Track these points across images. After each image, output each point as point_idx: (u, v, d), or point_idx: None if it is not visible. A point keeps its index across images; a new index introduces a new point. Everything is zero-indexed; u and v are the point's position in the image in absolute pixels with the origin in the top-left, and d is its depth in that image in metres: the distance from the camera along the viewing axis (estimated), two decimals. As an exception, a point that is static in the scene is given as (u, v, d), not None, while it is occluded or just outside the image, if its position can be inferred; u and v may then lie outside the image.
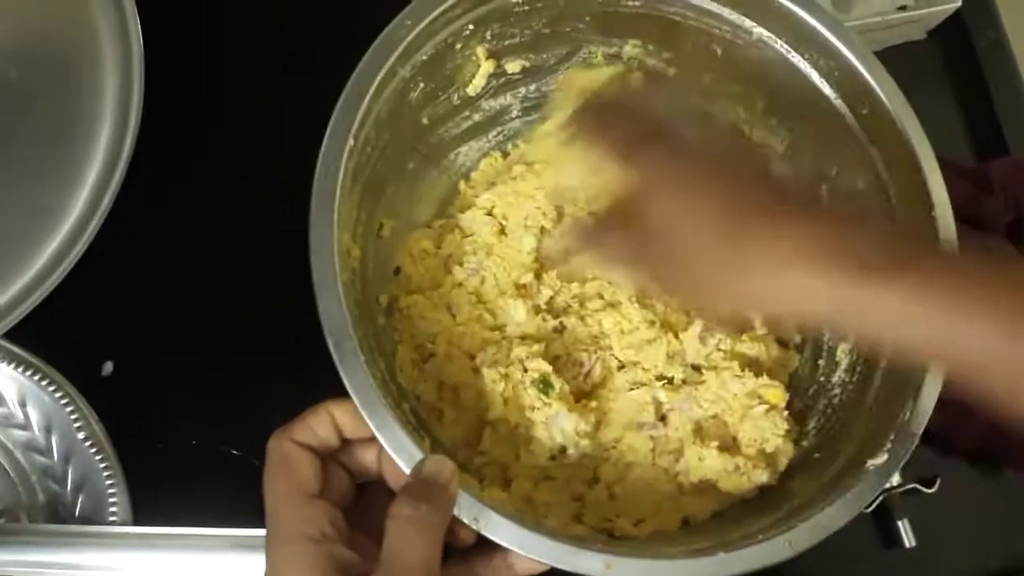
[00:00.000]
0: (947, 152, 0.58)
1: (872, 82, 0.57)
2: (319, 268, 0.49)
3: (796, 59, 0.60)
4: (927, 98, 0.59)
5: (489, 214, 0.62)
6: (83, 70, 0.56)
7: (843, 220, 0.49)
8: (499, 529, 0.47)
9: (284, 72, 0.69)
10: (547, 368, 0.56)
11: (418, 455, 0.47)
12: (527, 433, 0.56)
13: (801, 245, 0.45)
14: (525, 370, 0.56)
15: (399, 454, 0.47)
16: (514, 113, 0.66)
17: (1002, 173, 0.71)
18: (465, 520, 0.47)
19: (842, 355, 0.60)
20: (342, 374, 0.48)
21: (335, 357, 0.48)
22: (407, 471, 0.47)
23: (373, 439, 0.48)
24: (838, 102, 0.59)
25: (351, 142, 0.52)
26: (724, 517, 0.56)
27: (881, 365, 0.57)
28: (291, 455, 0.48)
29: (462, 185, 0.65)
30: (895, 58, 0.59)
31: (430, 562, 0.44)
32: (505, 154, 0.66)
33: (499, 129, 0.66)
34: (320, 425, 0.49)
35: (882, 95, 0.57)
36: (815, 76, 0.60)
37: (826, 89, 0.60)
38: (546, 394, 0.55)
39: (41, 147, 0.55)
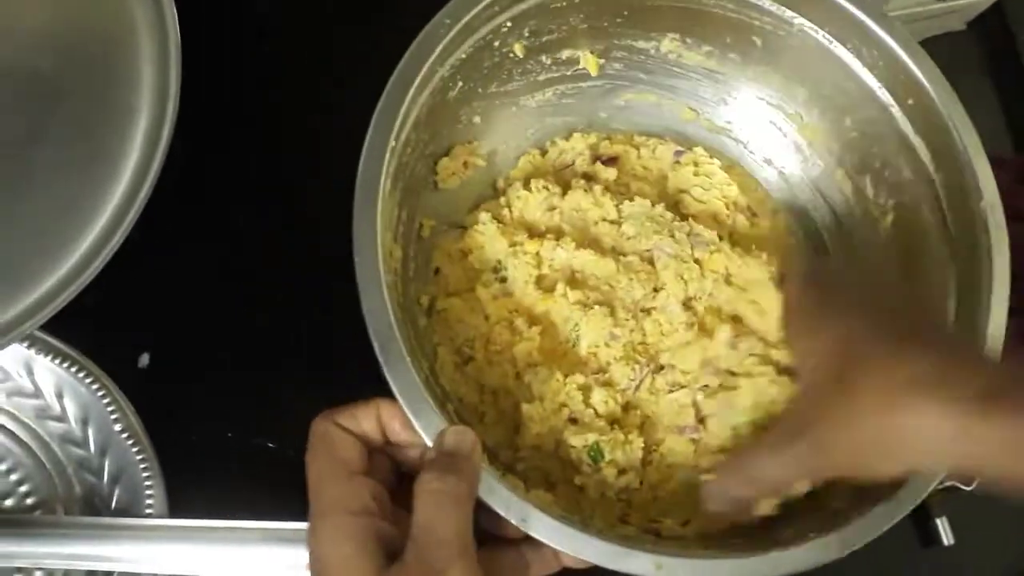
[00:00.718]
0: (986, 143, 0.58)
1: (917, 71, 0.57)
2: (363, 269, 0.49)
3: (838, 49, 0.59)
4: (966, 89, 0.58)
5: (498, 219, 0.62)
6: (119, 61, 0.56)
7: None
8: (547, 530, 0.47)
9: (321, 70, 0.69)
10: (600, 438, 0.55)
11: (484, 477, 0.47)
12: (567, 455, 0.56)
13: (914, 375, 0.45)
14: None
15: None
16: (550, 110, 0.66)
17: (1043, 165, 0.70)
18: (513, 521, 0.46)
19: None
20: (387, 376, 0.48)
21: (380, 359, 0.48)
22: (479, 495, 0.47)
23: (418, 442, 0.48)
24: (882, 92, 0.59)
25: (392, 143, 0.52)
26: (772, 518, 0.56)
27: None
28: (333, 435, 0.48)
29: (500, 182, 0.64)
30: (934, 49, 0.58)
31: (462, 534, 0.44)
32: (543, 152, 0.66)
33: (536, 127, 0.66)
34: (365, 417, 0.49)
35: (927, 85, 0.57)
36: (858, 66, 0.59)
37: (870, 80, 0.59)
38: (596, 462, 0.55)
39: (77, 139, 0.55)
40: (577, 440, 0.55)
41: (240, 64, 0.68)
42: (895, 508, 0.51)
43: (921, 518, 0.65)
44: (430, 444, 0.47)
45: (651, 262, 0.60)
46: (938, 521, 0.65)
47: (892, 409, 0.45)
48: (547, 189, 0.62)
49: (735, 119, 0.67)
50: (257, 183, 0.66)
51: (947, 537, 0.65)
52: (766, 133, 0.67)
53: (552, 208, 0.61)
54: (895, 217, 0.61)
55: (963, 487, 0.65)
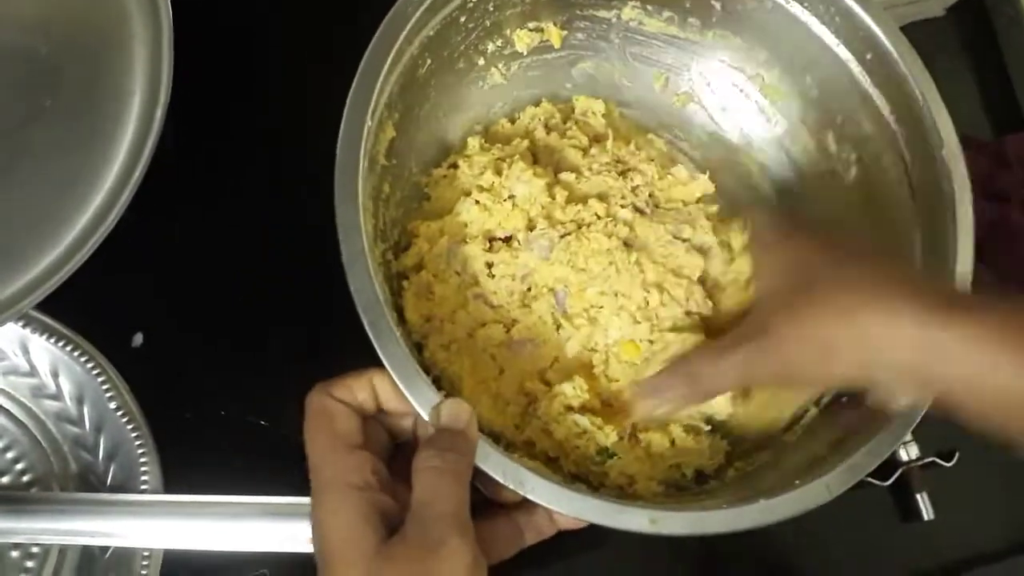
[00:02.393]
0: (965, 127, 0.59)
1: (873, 25, 0.58)
2: (348, 247, 0.49)
3: (795, 8, 0.61)
4: (945, 74, 0.59)
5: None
6: (113, 45, 0.56)
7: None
8: (544, 492, 0.48)
9: (313, 50, 0.69)
10: (611, 440, 0.56)
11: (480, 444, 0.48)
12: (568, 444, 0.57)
13: (878, 283, 0.48)
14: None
15: None
16: (517, 84, 0.66)
17: (1019, 147, 0.72)
18: (511, 486, 0.47)
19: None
20: (379, 351, 0.48)
21: (370, 334, 0.49)
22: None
23: (411, 411, 0.49)
24: (840, 49, 0.61)
25: (368, 123, 0.52)
26: (748, 472, 0.57)
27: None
28: (331, 408, 0.49)
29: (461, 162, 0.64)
30: (913, 34, 0.59)
31: (459, 509, 0.45)
32: (512, 121, 0.67)
33: (504, 101, 0.67)
34: (360, 388, 0.50)
35: (884, 38, 0.58)
36: (815, 24, 0.61)
37: (827, 37, 0.61)
38: (605, 462, 0.56)
39: (72, 120, 0.55)
40: (585, 441, 0.56)
41: (231, 46, 0.68)
42: (876, 451, 0.52)
43: (902, 493, 0.67)
44: (425, 416, 0.48)
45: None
46: (918, 496, 0.66)
47: (853, 310, 0.48)
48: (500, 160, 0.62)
49: (698, 84, 0.68)
50: (249, 163, 0.67)
51: (927, 512, 0.66)
52: (729, 96, 0.68)
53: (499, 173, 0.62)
54: (858, 171, 0.63)
55: (943, 463, 0.66)
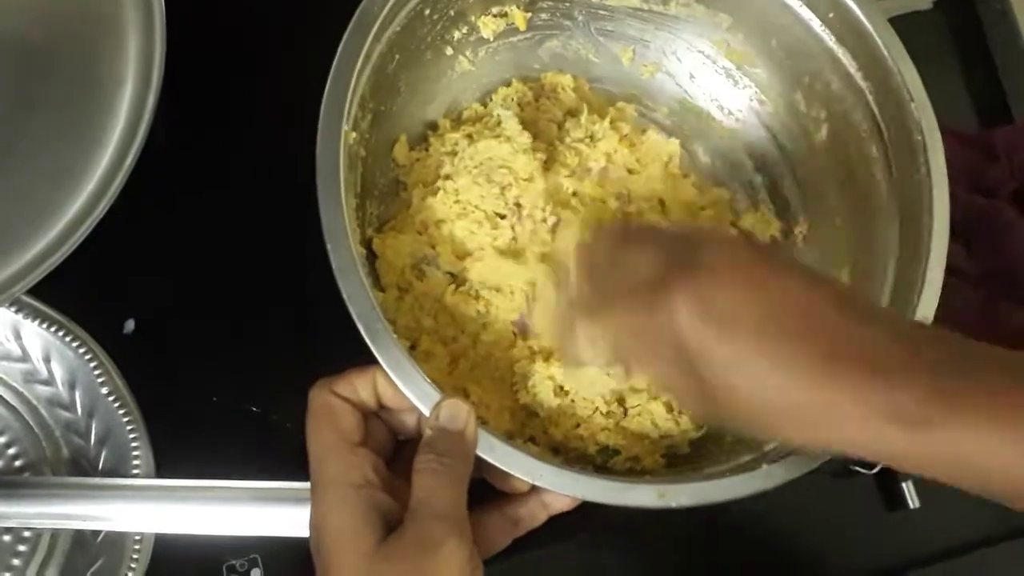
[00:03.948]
0: (952, 121, 0.59)
1: None
2: (337, 255, 0.50)
3: None
4: (932, 68, 0.59)
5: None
6: (106, 32, 0.56)
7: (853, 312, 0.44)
8: (552, 478, 0.48)
9: (309, 37, 0.68)
10: (618, 441, 0.57)
11: (482, 434, 0.49)
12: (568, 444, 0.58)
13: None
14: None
15: None
16: (485, 70, 0.67)
17: (1006, 141, 0.72)
18: (519, 474, 0.48)
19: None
20: (376, 354, 0.49)
21: (367, 339, 0.49)
22: (479, 453, 0.49)
23: (413, 408, 0.49)
24: (802, 9, 0.61)
25: (344, 127, 0.53)
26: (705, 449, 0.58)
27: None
28: (333, 406, 0.49)
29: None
30: (901, 27, 0.59)
31: (457, 509, 0.46)
32: (484, 104, 0.67)
33: (473, 88, 0.67)
34: (362, 385, 0.50)
35: None
36: None
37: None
38: (608, 460, 0.57)
39: (64, 107, 0.55)
40: (589, 443, 0.57)
41: (222, 35, 0.69)
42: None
43: (887, 482, 0.67)
44: (426, 413, 0.49)
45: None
46: (904, 485, 0.66)
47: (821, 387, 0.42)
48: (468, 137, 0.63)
49: (665, 54, 0.68)
50: (240, 151, 0.67)
51: (913, 501, 0.66)
52: (696, 63, 0.68)
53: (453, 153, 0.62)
54: (829, 129, 0.63)
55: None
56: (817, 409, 0.42)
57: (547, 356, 0.58)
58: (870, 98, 0.60)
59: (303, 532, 0.54)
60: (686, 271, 0.44)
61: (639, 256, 0.47)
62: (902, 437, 0.40)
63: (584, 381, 0.57)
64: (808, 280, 0.45)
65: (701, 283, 0.43)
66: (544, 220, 0.60)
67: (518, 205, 0.59)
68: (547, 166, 0.62)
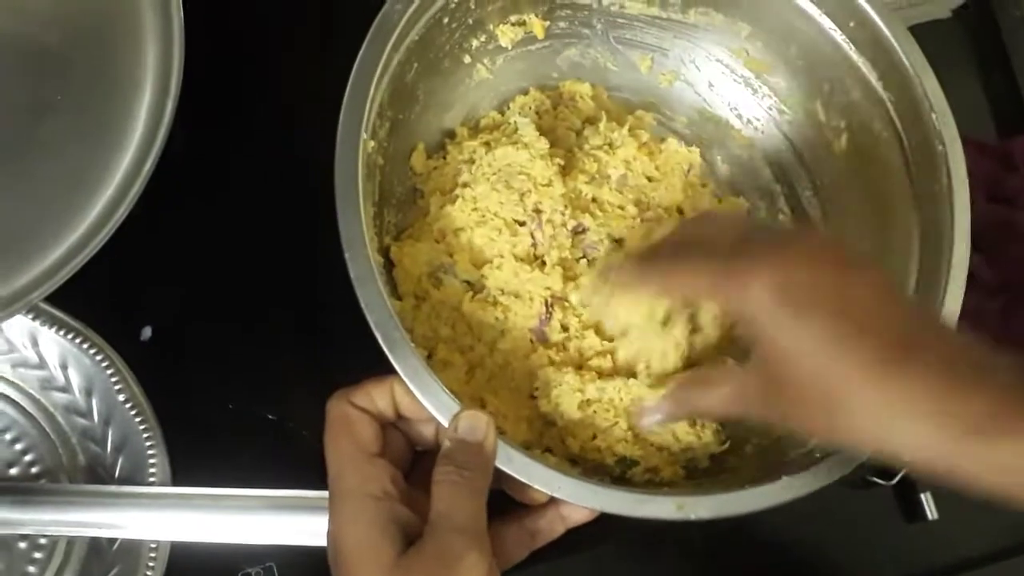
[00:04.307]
0: (970, 130, 0.59)
1: None
2: (355, 264, 0.50)
3: None
4: (951, 77, 0.59)
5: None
6: (124, 36, 0.56)
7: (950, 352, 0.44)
8: (571, 490, 0.48)
9: (324, 39, 0.69)
10: (636, 452, 0.57)
11: (500, 444, 0.48)
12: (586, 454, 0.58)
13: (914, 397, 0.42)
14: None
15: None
16: (503, 78, 0.67)
17: (1025, 150, 0.72)
18: (537, 486, 0.48)
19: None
20: (394, 363, 0.49)
21: (385, 348, 0.49)
22: (498, 464, 0.48)
23: (431, 418, 0.49)
24: (822, 18, 0.61)
25: (363, 135, 0.53)
26: (759, 447, 0.58)
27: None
28: (351, 417, 0.49)
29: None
30: (919, 36, 0.59)
31: (477, 522, 0.46)
32: (501, 112, 0.67)
33: (491, 96, 0.67)
34: (380, 395, 0.50)
35: (866, 5, 0.59)
36: None
37: (808, 7, 0.61)
38: (626, 471, 0.57)
39: (83, 112, 0.56)
40: (607, 454, 0.57)
41: (241, 39, 0.69)
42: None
43: (906, 493, 0.66)
44: (445, 424, 0.48)
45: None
46: (923, 496, 0.66)
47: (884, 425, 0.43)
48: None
49: (683, 63, 0.68)
50: (260, 159, 0.67)
51: (931, 512, 0.66)
52: (715, 72, 0.68)
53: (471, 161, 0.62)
54: (849, 139, 0.63)
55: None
56: (878, 407, 0.42)
57: (578, 366, 0.57)
58: (890, 108, 0.59)
59: (319, 541, 0.54)
60: (775, 248, 0.45)
61: (731, 231, 0.49)
62: (971, 443, 0.41)
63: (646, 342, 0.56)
64: (887, 283, 0.46)
65: (787, 262, 0.44)
66: (564, 225, 0.60)
67: (537, 211, 0.59)
68: (565, 172, 0.61)
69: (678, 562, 0.65)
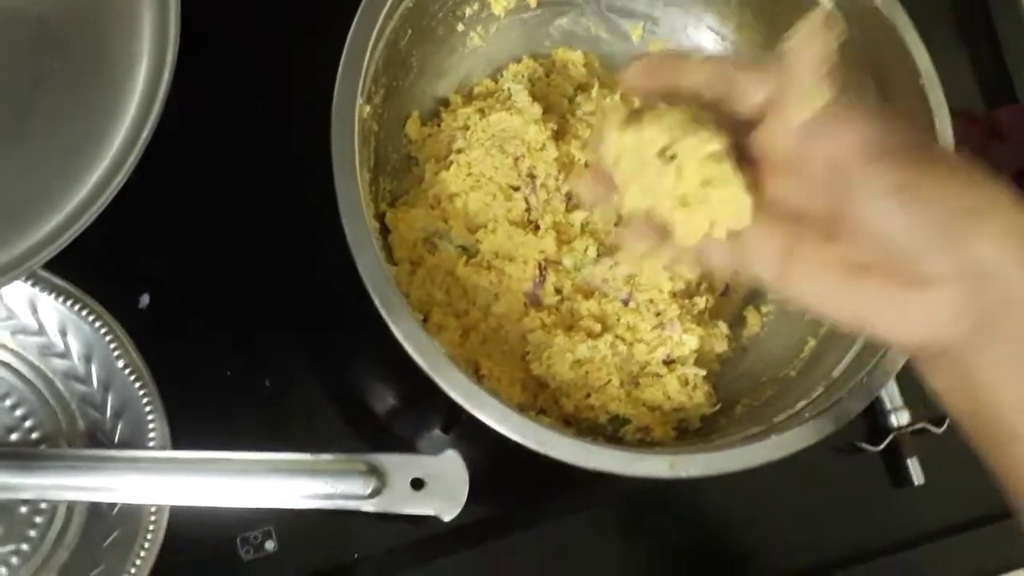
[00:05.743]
0: (957, 100, 0.60)
1: None
2: (352, 228, 0.50)
3: None
4: (937, 46, 0.60)
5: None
6: (120, 7, 0.57)
7: None
8: (565, 449, 0.49)
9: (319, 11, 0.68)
10: (629, 411, 0.58)
11: (487, 398, 0.49)
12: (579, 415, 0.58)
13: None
14: None
15: (470, 401, 0.49)
16: (497, 46, 0.67)
17: (1012, 120, 0.72)
18: (531, 445, 0.49)
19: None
20: (391, 324, 0.49)
21: (382, 311, 0.50)
22: (487, 421, 0.49)
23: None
24: None
25: (359, 100, 0.53)
26: (748, 408, 0.59)
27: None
28: None
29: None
30: (907, 6, 0.60)
31: None
32: (495, 80, 0.67)
33: (484, 65, 0.67)
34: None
35: None
36: None
37: None
38: (619, 429, 0.58)
39: (80, 83, 0.56)
40: (600, 413, 0.57)
41: (236, 10, 0.69)
42: (871, 384, 0.53)
43: (892, 458, 0.67)
44: (447, 388, 0.49)
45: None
46: (909, 461, 0.67)
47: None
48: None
49: (675, 30, 0.68)
50: (255, 126, 0.67)
51: (918, 477, 0.67)
52: (706, 39, 0.67)
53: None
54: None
55: (934, 429, 0.67)
56: None
57: (568, 327, 0.58)
58: (878, 74, 0.60)
59: (317, 504, 0.55)
60: None
61: None
62: None
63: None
64: None
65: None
66: (558, 189, 0.60)
67: (531, 176, 0.60)
68: (558, 137, 0.62)
69: (661, 527, 0.66)
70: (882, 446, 0.66)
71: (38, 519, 0.58)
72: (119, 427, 0.59)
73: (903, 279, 0.40)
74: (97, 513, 0.58)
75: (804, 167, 0.41)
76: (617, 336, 0.58)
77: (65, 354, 0.59)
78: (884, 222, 0.39)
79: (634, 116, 0.43)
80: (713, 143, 0.41)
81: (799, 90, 0.40)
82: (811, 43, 0.40)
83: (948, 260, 0.39)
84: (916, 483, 0.67)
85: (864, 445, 0.66)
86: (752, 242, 0.43)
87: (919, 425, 0.67)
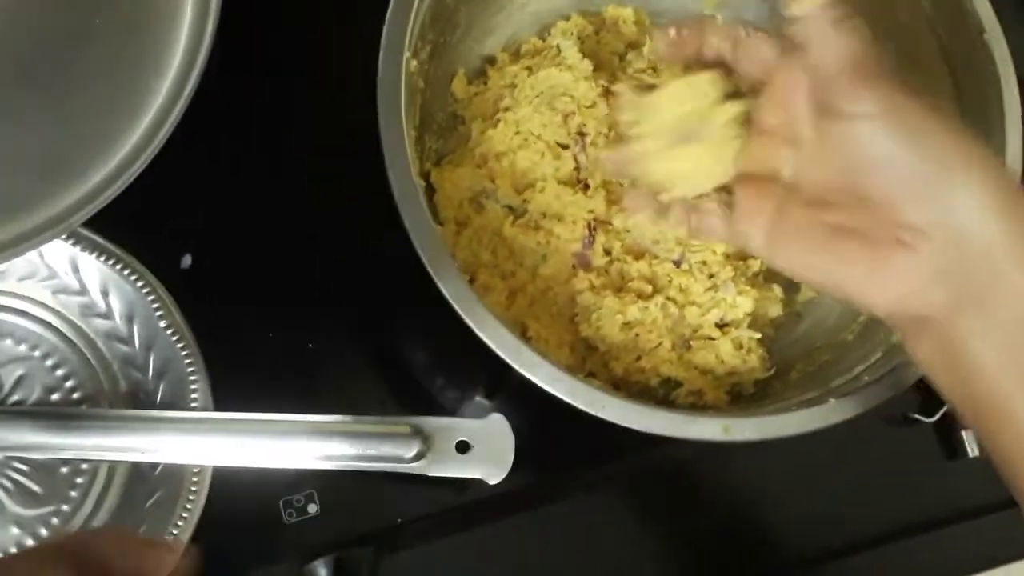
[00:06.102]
0: (1020, 68, 0.57)
1: None
2: (399, 183, 0.49)
3: None
4: (1004, 15, 0.57)
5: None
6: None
7: None
8: (617, 411, 0.48)
9: None
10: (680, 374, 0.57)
11: (537, 359, 0.48)
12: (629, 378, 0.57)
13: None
14: None
15: (520, 361, 0.48)
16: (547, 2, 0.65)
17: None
18: (582, 407, 0.48)
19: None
20: (439, 284, 0.48)
21: (429, 267, 0.49)
22: (538, 381, 0.48)
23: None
24: None
25: (406, 54, 0.52)
26: (803, 372, 0.57)
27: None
28: None
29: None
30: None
31: None
32: (543, 38, 0.65)
33: (530, 21, 0.65)
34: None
35: None
36: None
37: None
38: (671, 392, 0.57)
39: (122, 37, 0.55)
40: (651, 376, 0.56)
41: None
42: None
43: (946, 430, 0.66)
44: (499, 351, 0.48)
45: None
46: (963, 433, 0.65)
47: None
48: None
49: None
50: (299, 83, 0.66)
51: (972, 449, 0.65)
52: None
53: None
54: (897, 62, 0.60)
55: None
56: None
57: (617, 289, 0.57)
58: (940, 28, 0.58)
59: (361, 465, 0.54)
60: None
61: None
62: None
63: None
64: None
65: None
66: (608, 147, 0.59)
67: (581, 134, 0.59)
68: (609, 95, 0.61)
69: (711, 494, 0.65)
70: (936, 417, 0.65)
71: (79, 480, 0.57)
72: (161, 388, 0.58)
73: (881, 241, 0.41)
74: (139, 474, 0.57)
75: (797, 94, 0.43)
76: (668, 298, 0.57)
77: (107, 314, 0.59)
78: (870, 147, 0.40)
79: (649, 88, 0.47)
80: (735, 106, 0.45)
81: None
82: None
83: (928, 209, 0.40)
84: (971, 455, 0.65)
85: (918, 416, 0.65)
86: (743, 210, 0.45)
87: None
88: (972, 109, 0.57)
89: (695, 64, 0.47)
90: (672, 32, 0.47)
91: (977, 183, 0.39)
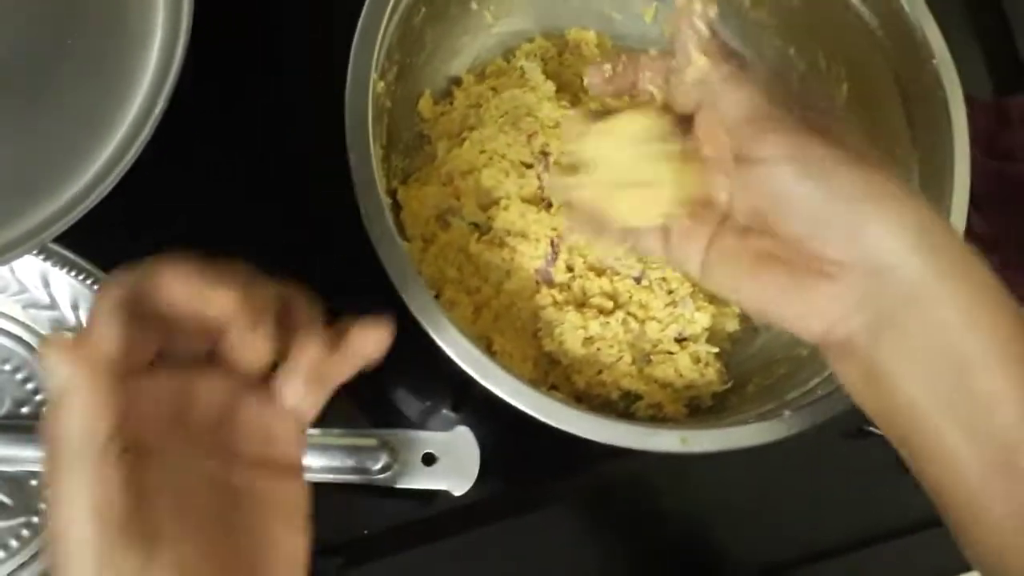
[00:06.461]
0: (967, 87, 0.59)
1: None
2: (366, 201, 0.50)
3: None
4: (947, 34, 0.59)
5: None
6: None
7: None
8: (578, 423, 0.49)
9: None
10: (640, 387, 0.58)
11: (501, 372, 0.49)
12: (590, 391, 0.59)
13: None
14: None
15: (484, 374, 0.49)
16: (506, 23, 0.67)
17: (1022, 108, 0.72)
18: (542, 418, 0.49)
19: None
20: (406, 300, 0.49)
21: (396, 283, 0.50)
22: (501, 395, 0.49)
23: None
24: None
25: (373, 75, 0.53)
26: (760, 386, 0.58)
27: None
28: None
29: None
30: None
31: None
32: (507, 60, 0.67)
33: (494, 42, 0.67)
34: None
35: None
36: None
37: None
38: (631, 405, 0.58)
39: (94, 55, 0.56)
40: (612, 389, 0.57)
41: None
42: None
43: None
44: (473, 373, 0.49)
45: None
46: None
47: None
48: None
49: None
50: (270, 100, 0.67)
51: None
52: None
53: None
54: (850, 87, 0.63)
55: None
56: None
57: (579, 305, 0.58)
58: (891, 54, 0.60)
59: (327, 477, 0.55)
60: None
61: None
62: None
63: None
64: None
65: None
66: None
67: (544, 153, 0.60)
68: None
69: (666, 508, 0.66)
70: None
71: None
72: (130, 402, 0.58)
73: (806, 271, 0.42)
74: (108, 487, 0.58)
75: (720, 134, 0.44)
76: (629, 313, 0.58)
77: (77, 329, 0.59)
78: (783, 188, 0.41)
79: (598, 115, 0.47)
80: (673, 144, 0.45)
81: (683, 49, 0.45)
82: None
83: (843, 245, 0.41)
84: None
85: (872, 429, 0.66)
86: (679, 233, 0.46)
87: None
88: (923, 131, 0.59)
89: (631, 97, 0.49)
90: (607, 69, 0.48)
91: (890, 217, 0.40)
